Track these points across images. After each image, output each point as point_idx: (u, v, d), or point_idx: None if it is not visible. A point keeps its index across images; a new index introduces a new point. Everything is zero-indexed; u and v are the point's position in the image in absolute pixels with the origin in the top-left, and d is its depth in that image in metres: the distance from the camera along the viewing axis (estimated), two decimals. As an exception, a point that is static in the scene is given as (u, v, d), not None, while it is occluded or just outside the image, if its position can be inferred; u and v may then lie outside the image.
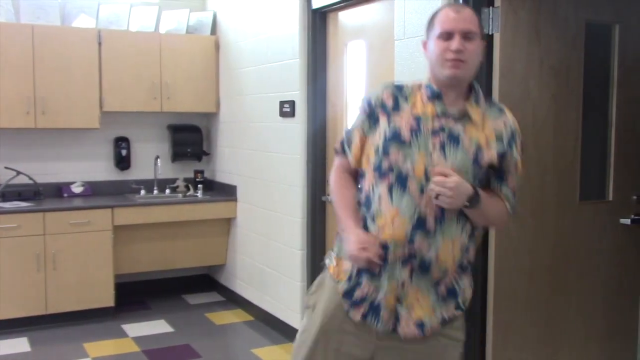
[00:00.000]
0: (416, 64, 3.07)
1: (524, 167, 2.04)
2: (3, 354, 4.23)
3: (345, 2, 3.86)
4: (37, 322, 4.68)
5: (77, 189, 5.24)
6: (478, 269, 2.95)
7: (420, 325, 1.93)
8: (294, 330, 4.41)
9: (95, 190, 5.35)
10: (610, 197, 3.20)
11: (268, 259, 4.76)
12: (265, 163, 4.73)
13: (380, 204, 1.89)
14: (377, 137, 1.94)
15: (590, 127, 3.13)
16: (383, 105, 1.96)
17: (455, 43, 1.85)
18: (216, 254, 5.50)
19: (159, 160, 5.44)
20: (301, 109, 4.20)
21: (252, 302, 5.03)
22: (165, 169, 5.60)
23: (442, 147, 1.87)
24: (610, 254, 3.21)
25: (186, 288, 5.70)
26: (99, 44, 5.04)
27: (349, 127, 2.09)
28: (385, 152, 1.89)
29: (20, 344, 4.41)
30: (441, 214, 1.86)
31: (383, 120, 1.94)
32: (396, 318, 1.93)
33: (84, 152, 5.37)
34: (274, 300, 4.68)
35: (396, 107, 1.94)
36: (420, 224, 1.85)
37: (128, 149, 5.48)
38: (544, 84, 2.96)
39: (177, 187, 5.55)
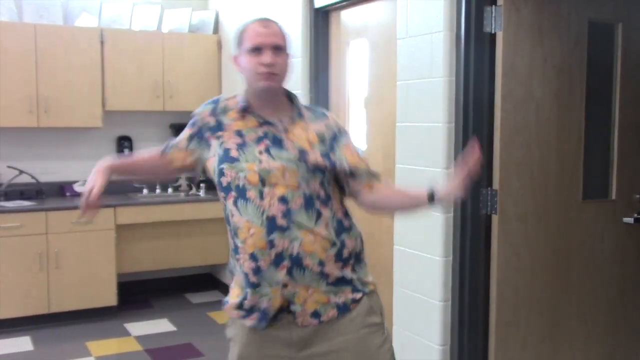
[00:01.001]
0: (419, 62, 3.06)
1: (365, 159, 2.07)
2: (6, 353, 4.23)
3: (347, 1, 3.86)
4: (39, 321, 4.68)
5: (79, 188, 5.24)
6: (481, 268, 2.95)
7: (316, 315, 1.95)
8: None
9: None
10: (613, 196, 3.20)
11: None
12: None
13: (235, 219, 1.95)
14: (213, 160, 2.01)
15: (594, 126, 3.12)
16: (208, 127, 2.04)
17: (266, 57, 1.93)
18: (218, 252, 5.49)
19: (161, 159, 5.43)
20: (303, 108, 4.20)
21: (255, 301, 5.02)
22: (168, 168, 5.59)
23: (268, 151, 1.94)
24: (613, 253, 3.20)
25: (188, 287, 5.70)
26: (102, 43, 5.04)
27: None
28: (222, 173, 1.97)
29: (23, 343, 4.42)
30: (287, 208, 1.90)
31: (214, 143, 2.02)
32: (293, 316, 1.95)
33: (86, 151, 5.38)
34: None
35: (219, 125, 2.02)
36: (272, 225, 1.89)
37: (131, 148, 5.48)
38: (547, 83, 2.96)
39: (180, 186, 5.55)
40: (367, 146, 3.80)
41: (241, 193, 1.93)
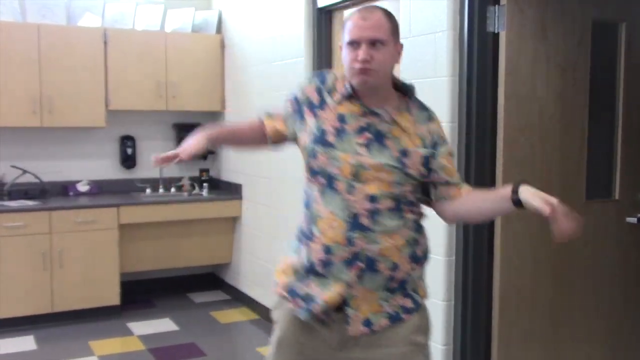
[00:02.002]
0: (422, 62, 3.06)
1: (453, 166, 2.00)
2: (9, 352, 4.24)
3: (350, 1, 3.86)
4: (43, 320, 4.69)
5: (83, 187, 5.25)
6: (483, 268, 2.95)
7: (367, 323, 1.92)
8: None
9: (101, 189, 5.36)
10: (617, 196, 3.19)
11: (273, 258, 4.76)
12: (270, 162, 4.73)
13: (317, 206, 1.90)
14: (306, 137, 1.95)
15: (597, 125, 3.11)
16: (309, 102, 1.98)
17: (361, 53, 1.85)
18: (221, 252, 5.51)
19: (164, 159, 5.44)
20: (306, 107, 4.20)
21: (257, 300, 5.03)
22: (171, 168, 5.59)
23: (368, 145, 1.88)
24: (616, 253, 3.19)
25: (191, 286, 5.70)
26: (105, 43, 5.05)
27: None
28: (314, 155, 1.91)
29: (26, 342, 4.43)
30: (374, 209, 1.86)
31: (310, 120, 1.95)
32: (345, 320, 1.91)
33: (89, 150, 5.39)
34: (279, 299, 4.68)
35: (321, 103, 1.95)
36: (355, 223, 1.86)
37: (134, 147, 5.49)
38: (550, 83, 2.95)
39: (183, 185, 5.55)
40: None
41: (330, 182, 1.88)
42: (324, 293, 1.90)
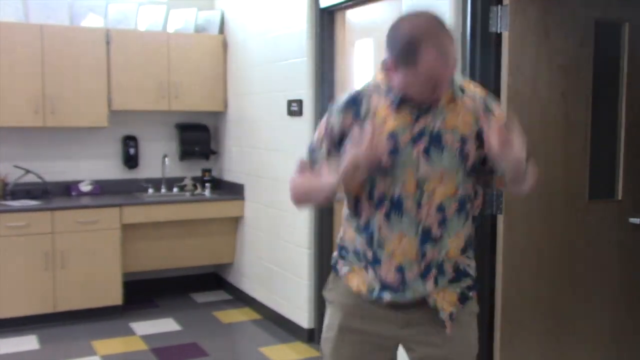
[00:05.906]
0: (424, 62, 3.06)
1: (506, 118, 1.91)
2: (12, 352, 4.25)
3: (353, 1, 3.86)
4: (45, 320, 4.70)
5: (85, 187, 5.26)
6: (486, 268, 2.94)
7: (450, 316, 1.93)
8: (302, 329, 4.42)
9: (104, 189, 5.36)
10: (620, 196, 3.18)
11: (276, 258, 4.76)
12: (273, 162, 4.73)
13: (383, 232, 1.84)
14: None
15: (600, 125, 3.11)
16: (348, 132, 1.82)
17: (440, 91, 1.73)
18: (224, 252, 5.51)
19: (166, 159, 5.45)
20: (309, 107, 4.20)
21: (260, 300, 5.03)
22: (173, 168, 5.61)
23: (427, 152, 1.79)
24: (619, 253, 3.19)
25: (194, 286, 5.71)
26: (108, 43, 5.05)
27: (312, 142, 1.93)
28: (372, 183, 1.82)
29: (29, 342, 4.43)
30: (443, 217, 1.84)
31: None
32: (440, 322, 1.92)
33: (92, 150, 5.39)
34: (282, 299, 4.68)
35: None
36: (426, 236, 1.84)
37: (136, 147, 5.50)
38: (553, 83, 2.95)
39: (185, 185, 5.56)
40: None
41: (396, 205, 1.81)
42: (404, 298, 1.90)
